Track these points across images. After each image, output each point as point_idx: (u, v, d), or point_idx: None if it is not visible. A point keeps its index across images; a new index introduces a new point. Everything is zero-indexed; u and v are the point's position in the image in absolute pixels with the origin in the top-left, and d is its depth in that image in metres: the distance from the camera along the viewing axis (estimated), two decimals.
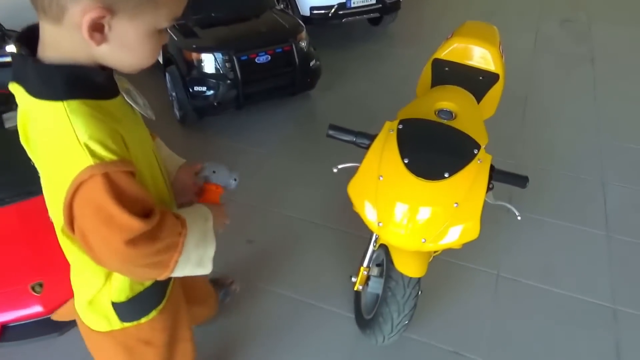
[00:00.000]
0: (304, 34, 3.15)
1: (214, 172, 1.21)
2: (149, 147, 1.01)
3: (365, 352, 1.87)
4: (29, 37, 0.80)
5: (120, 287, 1.03)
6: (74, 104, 0.77)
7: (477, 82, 2.20)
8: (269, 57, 2.96)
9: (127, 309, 1.07)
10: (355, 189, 1.57)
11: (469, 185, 1.49)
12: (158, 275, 0.94)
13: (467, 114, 1.90)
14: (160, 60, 3.37)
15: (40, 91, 0.77)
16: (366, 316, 1.84)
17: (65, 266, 1.70)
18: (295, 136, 3.15)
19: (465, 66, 2.26)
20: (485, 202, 2.51)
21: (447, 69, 2.27)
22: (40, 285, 1.64)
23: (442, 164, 1.50)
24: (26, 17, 0.83)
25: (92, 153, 0.75)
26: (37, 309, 1.62)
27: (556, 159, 2.95)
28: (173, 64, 3.04)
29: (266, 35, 3.01)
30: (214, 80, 2.89)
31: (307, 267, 2.19)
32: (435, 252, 1.68)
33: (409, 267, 1.60)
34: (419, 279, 1.63)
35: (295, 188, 2.66)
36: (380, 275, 1.79)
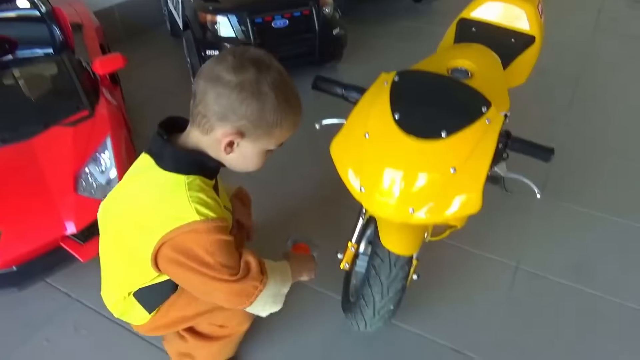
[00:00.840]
0: None
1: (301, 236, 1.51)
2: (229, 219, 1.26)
3: (349, 339, 1.65)
4: (168, 123, 1.16)
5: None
6: (192, 177, 1.09)
7: (507, 44, 1.90)
8: (287, 21, 2.76)
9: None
10: (338, 148, 1.35)
11: (471, 148, 1.23)
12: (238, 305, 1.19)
13: (487, 75, 1.63)
14: (181, 25, 3.27)
15: (169, 165, 1.09)
16: (352, 298, 1.62)
17: (26, 218, 1.56)
18: (310, 107, 2.93)
19: (494, 26, 1.96)
20: (497, 175, 2.21)
21: (473, 29, 1.99)
22: None
23: (440, 121, 1.24)
24: None
25: (199, 212, 1.05)
26: None
27: (604, 146, 2.58)
28: (189, 28, 2.91)
29: (287, 1, 2.81)
30: (227, 45, 2.72)
31: None
32: (428, 232, 1.43)
33: (395, 242, 1.36)
34: (409, 259, 1.39)
35: (302, 163, 2.46)
36: None
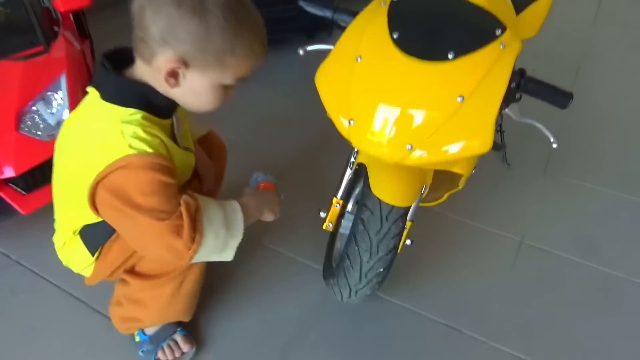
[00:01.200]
0: None
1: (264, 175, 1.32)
2: (187, 165, 1.14)
3: (330, 312, 1.43)
4: (115, 55, 1.00)
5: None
6: (132, 110, 0.94)
7: None
8: None
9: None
10: (323, 76, 1.14)
11: (483, 74, 1.03)
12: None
13: (498, 11, 1.43)
14: None
15: (110, 96, 0.96)
16: (334, 263, 1.40)
17: None
18: (298, 81, 2.73)
19: None
20: (509, 124, 1.99)
21: None
22: None
23: (447, 41, 1.04)
24: None
25: (131, 146, 0.90)
26: None
27: (607, 126, 2.41)
28: None
29: None
30: None
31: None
32: (427, 186, 1.22)
33: (388, 190, 1.15)
34: (403, 213, 1.17)
35: (282, 129, 2.25)
36: None
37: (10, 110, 1.45)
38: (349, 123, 1.07)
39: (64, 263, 1.20)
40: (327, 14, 1.23)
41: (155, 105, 0.98)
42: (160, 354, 1.27)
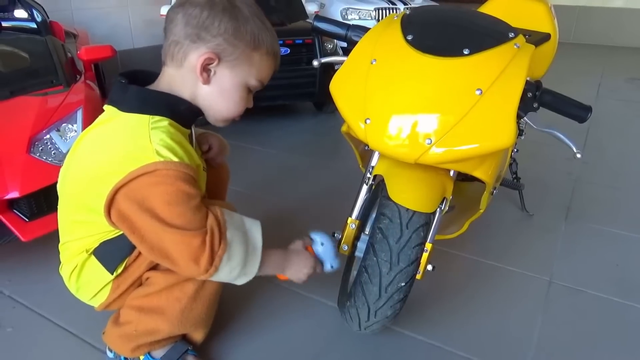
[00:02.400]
0: None
1: (322, 244, 1.17)
2: (203, 177, 1.11)
3: (344, 347, 1.28)
4: (130, 75, 1.01)
5: None
6: (157, 118, 0.94)
7: None
8: (288, 49, 2.69)
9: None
10: (338, 83, 1.14)
11: (499, 70, 1.02)
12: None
13: None
14: None
15: (133, 106, 0.95)
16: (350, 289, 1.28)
17: None
18: (309, 145, 2.77)
19: None
20: (515, 185, 1.95)
21: None
22: None
23: (462, 40, 1.05)
24: None
25: (159, 153, 0.89)
26: None
27: (618, 179, 2.37)
28: None
29: (288, 29, 2.78)
30: None
31: None
32: (448, 193, 1.16)
33: (408, 194, 1.09)
34: (424, 222, 1.10)
35: (292, 182, 2.23)
36: None
37: (24, 135, 1.45)
38: (366, 122, 1.04)
39: (74, 292, 1.11)
40: (341, 31, 1.26)
41: (180, 113, 0.99)
42: None
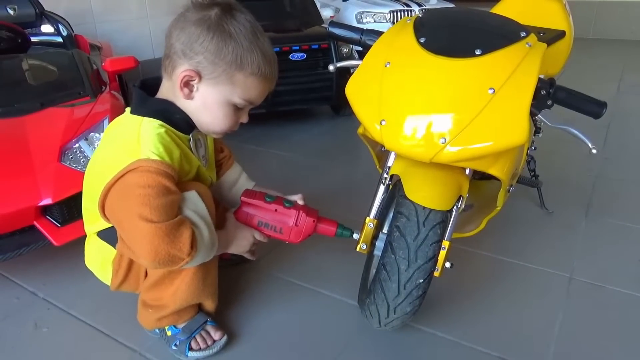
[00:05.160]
0: None
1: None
2: (205, 178, 1.21)
3: (365, 344, 1.30)
4: (151, 82, 1.12)
5: None
6: (152, 120, 1.02)
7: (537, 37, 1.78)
8: (304, 54, 2.74)
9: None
10: (354, 86, 1.17)
11: (511, 69, 1.04)
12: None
13: None
14: None
15: (134, 109, 1.06)
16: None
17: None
18: (328, 148, 2.81)
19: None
20: (533, 182, 1.94)
21: None
22: None
23: (473, 41, 1.08)
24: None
25: (143, 152, 0.97)
26: None
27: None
28: None
29: (304, 34, 2.83)
30: None
31: (313, 254, 1.69)
32: (463, 191, 1.18)
33: (424, 193, 1.12)
34: (441, 220, 1.12)
35: (308, 183, 2.26)
36: None
37: (55, 145, 1.52)
38: (381, 123, 1.08)
39: (95, 271, 1.26)
40: (356, 36, 1.30)
41: (174, 119, 1.06)
42: (193, 344, 1.23)
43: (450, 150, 1.03)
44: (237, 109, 1.08)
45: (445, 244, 1.17)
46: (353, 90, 1.17)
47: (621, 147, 2.68)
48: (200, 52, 0.99)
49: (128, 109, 1.10)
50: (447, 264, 1.19)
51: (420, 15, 1.21)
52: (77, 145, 1.56)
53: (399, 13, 4.26)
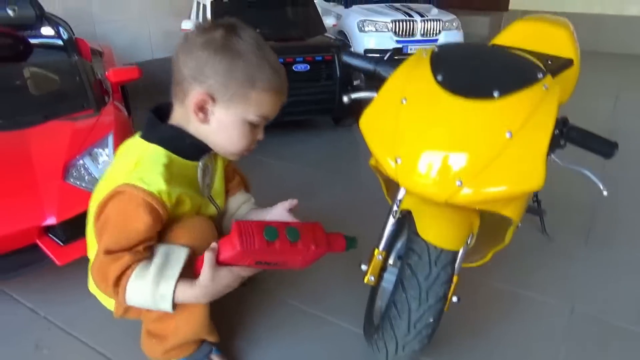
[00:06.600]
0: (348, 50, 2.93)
1: None
2: (203, 212, 1.18)
3: None
4: (164, 107, 1.10)
5: None
6: (156, 147, 1.03)
7: (544, 65, 1.79)
8: (308, 66, 2.73)
9: None
10: (368, 120, 1.17)
11: (529, 112, 1.04)
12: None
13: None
14: None
15: (146, 135, 1.06)
16: (377, 321, 1.31)
17: (3, 199, 1.43)
18: (328, 159, 2.80)
19: (529, 51, 1.87)
20: (534, 207, 1.94)
21: None
22: None
23: (491, 82, 1.07)
24: None
25: (132, 177, 0.96)
26: None
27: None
28: None
29: (308, 45, 2.82)
30: None
31: (319, 277, 1.68)
32: (474, 232, 1.18)
33: (437, 232, 1.12)
34: (452, 258, 1.13)
35: (308, 196, 2.25)
36: None
37: (59, 162, 1.50)
38: (396, 162, 1.07)
39: (98, 296, 1.22)
40: (370, 66, 1.29)
41: (183, 147, 1.06)
42: None
43: (466, 193, 1.02)
44: (253, 126, 1.07)
45: (454, 278, 1.17)
46: (368, 124, 1.16)
47: (622, 171, 2.68)
48: (211, 75, 0.98)
49: (138, 133, 1.09)
50: (454, 298, 1.20)
51: (436, 50, 1.20)
52: (81, 161, 1.54)
53: (401, 23, 4.25)
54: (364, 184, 2.34)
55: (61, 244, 1.46)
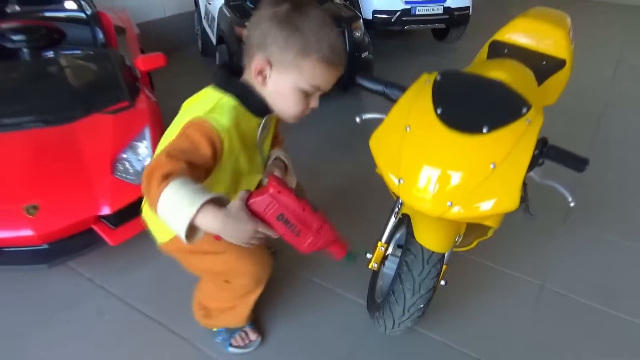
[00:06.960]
0: (359, 23, 3.03)
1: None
2: (250, 159, 1.28)
3: (372, 343, 1.62)
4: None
5: None
6: (230, 97, 1.16)
7: (538, 65, 1.95)
8: None
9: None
10: (377, 142, 1.38)
11: (511, 146, 1.25)
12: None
13: (522, 88, 1.67)
14: (214, 40, 3.38)
15: (220, 86, 1.18)
16: (378, 299, 1.60)
17: (64, 195, 1.55)
18: (333, 131, 3.00)
19: (526, 49, 2.02)
20: (531, 180, 2.20)
21: (505, 50, 2.05)
22: (35, 207, 1.56)
23: (482, 117, 1.27)
24: None
25: (205, 114, 1.10)
26: (27, 232, 1.54)
27: (626, 178, 2.59)
28: (224, 43, 3.01)
29: None
30: None
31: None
32: (460, 235, 1.43)
33: (430, 238, 1.37)
34: (441, 257, 1.39)
35: (323, 177, 2.49)
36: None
37: (106, 158, 1.72)
38: (399, 182, 1.30)
39: (150, 228, 1.31)
40: (379, 88, 1.48)
41: (253, 102, 1.19)
42: (233, 341, 1.55)
43: (455, 211, 1.26)
44: (306, 95, 1.17)
45: (444, 267, 1.44)
46: (377, 145, 1.37)
47: (607, 148, 2.87)
48: (271, 43, 1.10)
49: (211, 85, 1.20)
50: (442, 282, 1.47)
51: (438, 79, 1.39)
52: (125, 155, 1.76)
53: None
54: (369, 156, 2.56)
55: (113, 227, 1.72)
